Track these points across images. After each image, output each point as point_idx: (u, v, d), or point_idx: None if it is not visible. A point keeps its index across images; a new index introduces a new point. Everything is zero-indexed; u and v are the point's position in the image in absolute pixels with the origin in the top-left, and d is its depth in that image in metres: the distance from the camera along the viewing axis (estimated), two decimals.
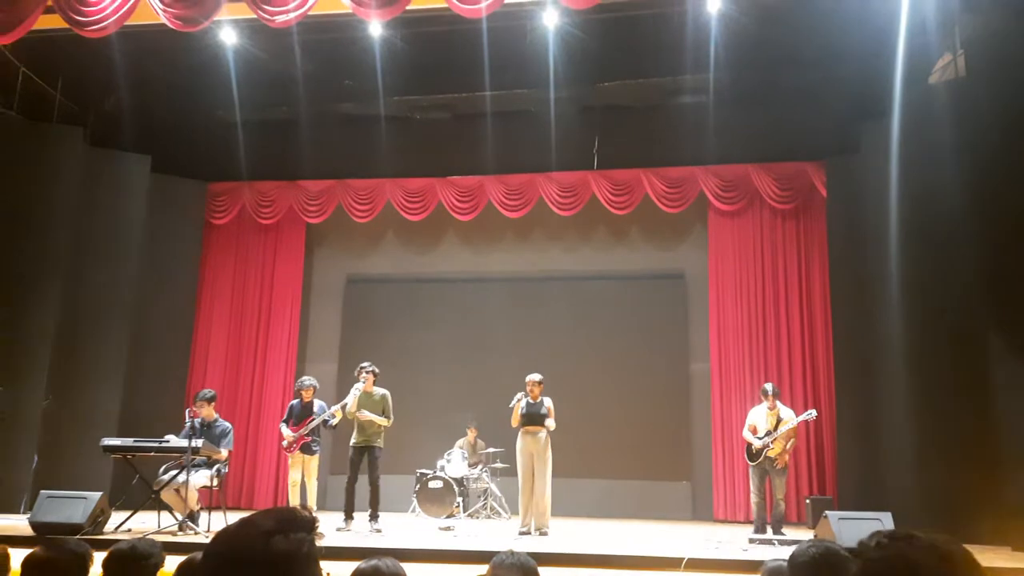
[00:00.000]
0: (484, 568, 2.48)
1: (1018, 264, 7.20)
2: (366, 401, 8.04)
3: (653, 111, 10.97)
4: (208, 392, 7.77)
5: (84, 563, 2.52)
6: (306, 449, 7.92)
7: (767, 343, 10.52)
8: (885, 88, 8.73)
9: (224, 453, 7.47)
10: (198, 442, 7.00)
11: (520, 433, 7.81)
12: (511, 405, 7.77)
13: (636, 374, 10.91)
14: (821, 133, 10.16)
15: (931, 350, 8.12)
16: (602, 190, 10.92)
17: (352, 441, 8.11)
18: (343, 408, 8.04)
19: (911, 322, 8.41)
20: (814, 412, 7.98)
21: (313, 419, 7.90)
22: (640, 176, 10.86)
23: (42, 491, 7.21)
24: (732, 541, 7.22)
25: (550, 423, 7.72)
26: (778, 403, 7.81)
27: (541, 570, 2.57)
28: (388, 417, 8.05)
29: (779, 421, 7.67)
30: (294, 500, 8.00)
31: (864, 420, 9.29)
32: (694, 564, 5.75)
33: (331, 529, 7.67)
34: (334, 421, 8.00)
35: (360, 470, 8.02)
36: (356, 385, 8.10)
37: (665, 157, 10.86)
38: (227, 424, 7.69)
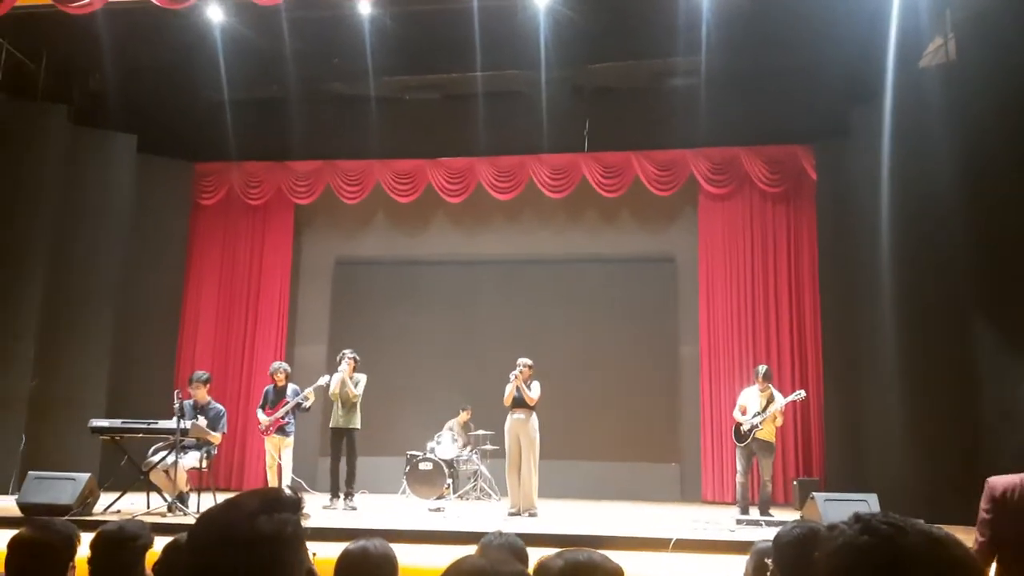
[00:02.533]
0: (473, 549, 2.49)
1: (1007, 249, 7.24)
2: (344, 386, 8.29)
3: (644, 93, 10.91)
4: (203, 374, 7.78)
5: (71, 544, 2.51)
6: (281, 431, 8.01)
7: (756, 326, 10.56)
8: (876, 72, 8.71)
9: (218, 436, 7.49)
10: (187, 423, 6.99)
11: (508, 415, 7.89)
12: (512, 375, 7.83)
13: (626, 357, 10.93)
14: (811, 116, 10.13)
15: (918, 333, 8.16)
16: (593, 173, 10.89)
17: (331, 424, 8.30)
18: (325, 389, 8.26)
19: (899, 305, 8.44)
20: (803, 392, 8.01)
21: (287, 402, 7.99)
22: (631, 159, 10.83)
23: (30, 472, 7.18)
24: (720, 522, 7.27)
25: (534, 392, 7.82)
26: (770, 385, 7.83)
27: (530, 551, 2.58)
28: (358, 394, 8.32)
29: (769, 402, 7.69)
30: (273, 481, 8.08)
31: (851, 403, 9.36)
32: (682, 545, 5.79)
33: (317, 508, 7.76)
34: (307, 404, 8.14)
35: (340, 451, 8.27)
36: (340, 369, 8.30)
37: (656, 140, 10.82)
38: (220, 407, 7.70)
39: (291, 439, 8.10)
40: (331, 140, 11.44)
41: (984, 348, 7.34)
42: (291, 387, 8.16)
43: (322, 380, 8.29)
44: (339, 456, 8.27)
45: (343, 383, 8.23)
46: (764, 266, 10.71)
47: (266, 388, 8.34)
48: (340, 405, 8.28)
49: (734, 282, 10.73)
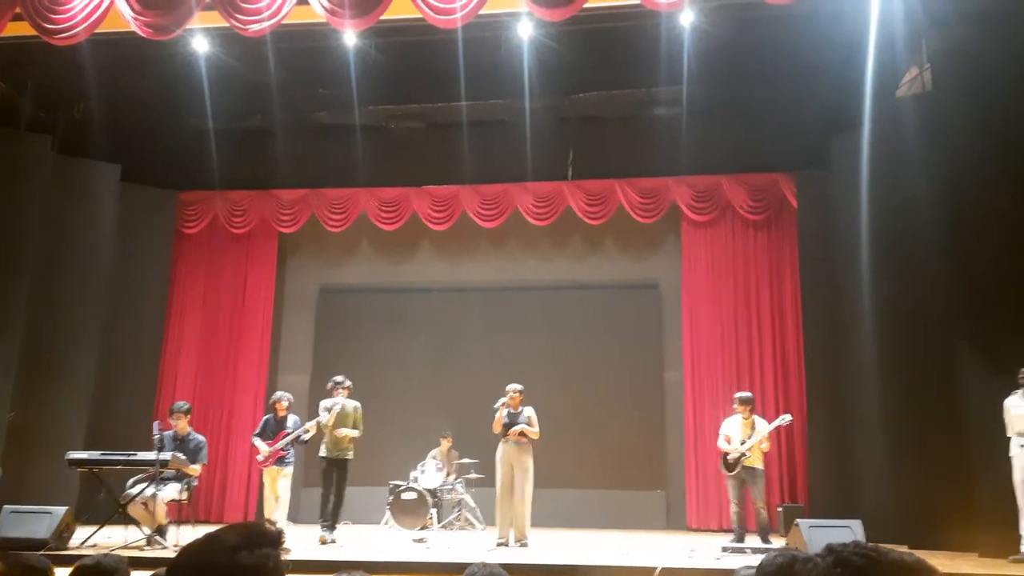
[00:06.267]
0: None
1: (986, 274, 7.32)
2: (339, 414, 8.12)
3: (627, 122, 11.04)
4: (184, 405, 7.69)
5: None
6: (280, 462, 7.94)
7: (740, 352, 10.60)
8: (854, 101, 8.87)
9: (198, 469, 7.40)
10: (166, 455, 6.91)
11: (500, 442, 7.78)
12: (495, 407, 7.76)
13: (610, 384, 10.93)
14: (792, 145, 10.28)
15: (901, 359, 8.22)
16: (577, 200, 10.96)
17: (323, 453, 8.12)
18: (318, 424, 8.08)
19: (881, 332, 8.51)
20: (788, 416, 7.98)
21: (287, 433, 7.92)
22: (614, 186, 10.92)
23: (5, 506, 7.06)
24: (705, 550, 7.24)
25: (532, 430, 7.70)
26: (752, 412, 7.83)
27: None
28: (360, 429, 8.16)
29: (753, 430, 7.69)
30: (269, 513, 7.99)
31: (835, 428, 9.38)
32: (668, 573, 5.76)
33: (302, 541, 7.64)
34: (307, 436, 8.04)
35: (332, 482, 8.08)
36: (335, 400, 8.09)
37: (639, 168, 10.93)
38: (201, 437, 7.61)
39: (289, 470, 8.03)
40: (316, 169, 11.47)
41: (968, 372, 7.38)
42: (292, 418, 8.11)
43: (323, 417, 8.13)
44: (331, 487, 8.06)
45: (341, 412, 8.10)
46: (747, 292, 10.77)
47: (265, 417, 8.28)
48: (331, 436, 8.10)
49: (717, 308, 10.78)
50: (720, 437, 7.92)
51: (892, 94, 8.99)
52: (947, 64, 7.96)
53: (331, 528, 7.96)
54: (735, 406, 7.87)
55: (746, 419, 7.75)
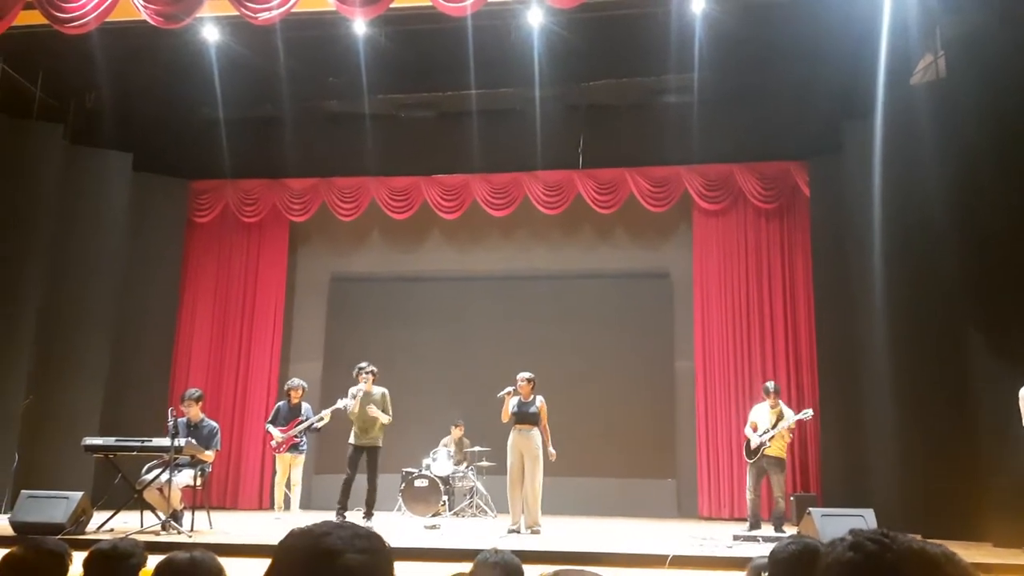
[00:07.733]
0: (469, 566, 2.48)
1: (998, 263, 7.28)
2: (366, 401, 8.15)
3: (638, 110, 10.99)
4: (195, 392, 7.73)
5: (62, 562, 2.49)
6: (294, 449, 8.02)
7: (751, 342, 10.58)
8: (867, 89, 8.79)
9: (211, 454, 7.46)
10: (181, 441, 6.97)
11: (511, 430, 7.80)
12: (499, 395, 7.77)
13: (621, 373, 10.93)
14: (804, 133, 10.22)
15: (913, 348, 8.18)
16: (587, 189, 10.93)
17: (352, 440, 8.09)
18: (345, 409, 8.08)
19: (894, 321, 8.47)
20: (810, 411, 8.05)
21: (302, 421, 7.98)
22: (625, 175, 10.88)
23: (23, 491, 7.14)
24: (717, 538, 7.24)
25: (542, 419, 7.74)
26: (780, 401, 7.86)
27: (527, 568, 2.57)
28: (388, 415, 8.14)
29: (779, 419, 7.72)
30: (280, 498, 8.07)
31: (847, 418, 9.36)
32: (679, 561, 5.77)
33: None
34: (320, 425, 8.08)
35: (359, 469, 8.08)
36: (358, 387, 8.10)
37: (650, 156, 10.89)
38: (214, 424, 7.67)
39: (302, 457, 8.14)
40: (326, 158, 11.48)
41: (980, 361, 7.35)
42: (305, 405, 8.21)
43: (340, 403, 8.16)
44: (355, 474, 8.03)
45: (364, 398, 8.07)
46: (759, 281, 10.74)
47: (278, 404, 8.37)
48: (361, 423, 8.07)
49: (729, 297, 10.76)
50: (747, 423, 7.99)
51: (905, 82, 8.90)
52: (961, 52, 7.89)
53: (368, 516, 7.98)
54: (763, 394, 7.95)
55: (773, 407, 7.77)
